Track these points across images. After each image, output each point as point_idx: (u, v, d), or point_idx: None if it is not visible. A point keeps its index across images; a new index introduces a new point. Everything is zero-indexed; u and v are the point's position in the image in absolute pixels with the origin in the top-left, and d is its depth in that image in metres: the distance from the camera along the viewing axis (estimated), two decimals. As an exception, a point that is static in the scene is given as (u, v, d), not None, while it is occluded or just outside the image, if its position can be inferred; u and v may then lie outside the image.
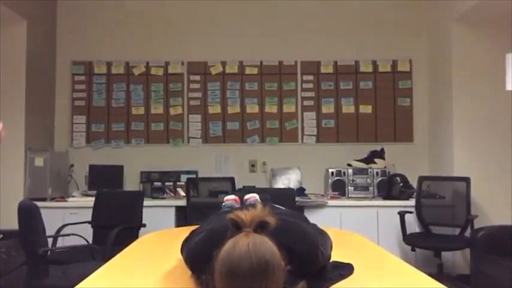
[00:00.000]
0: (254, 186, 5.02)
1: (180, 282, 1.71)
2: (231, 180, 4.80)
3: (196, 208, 4.67)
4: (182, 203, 4.87)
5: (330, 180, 5.22)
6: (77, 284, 1.65)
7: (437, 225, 4.69)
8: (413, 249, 4.55)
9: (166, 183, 5.34)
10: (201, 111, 5.67)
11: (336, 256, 1.81)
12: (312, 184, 5.42)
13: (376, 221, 4.81)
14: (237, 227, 1.30)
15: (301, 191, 5.19)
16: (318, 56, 5.67)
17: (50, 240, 3.78)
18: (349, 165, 5.30)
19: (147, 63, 5.70)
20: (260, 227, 1.29)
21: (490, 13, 4.58)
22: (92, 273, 1.83)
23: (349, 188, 5.18)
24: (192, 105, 5.68)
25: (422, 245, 4.57)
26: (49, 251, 3.45)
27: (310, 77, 5.67)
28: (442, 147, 5.19)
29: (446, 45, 5.08)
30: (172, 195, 5.27)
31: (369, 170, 5.21)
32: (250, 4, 5.67)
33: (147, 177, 5.37)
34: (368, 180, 5.19)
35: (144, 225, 4.35)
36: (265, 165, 5.61)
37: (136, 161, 5.51)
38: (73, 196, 5.13)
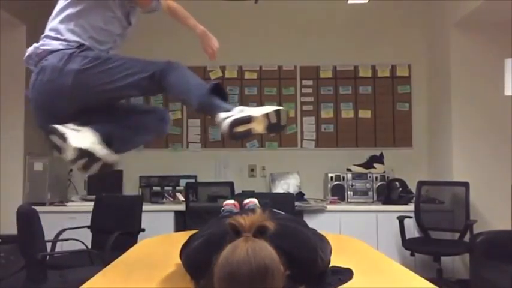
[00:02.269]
0: (253, 191, 5.02)
1: (178, 287, 1.70)
2: (230, 185, 4.80)
3: (195, 213, 4.67)
4: (181, 207, 4.87)
5: (329, 185, 5.22)
6: (76, 289, 1.65)
7: (437, 230, 4.69)
8: (412, 254, 4.55)
9: (166, 188, 5.33)
10: (200, 116, 5.67)
11: (335, 261, 1.81)
12: (311, 189, 5.42)
13: (375, 226, 4.80)
14: (236, 232, 1.30)
15: (300, 195, 5.19)
16: (317, 60, 5.68)
17: (48, 245, 3.77)
18: (348, 170, 5.30)
19: (147, 67, 5.69)
20: (259, 232, 1.29)
21: (489, 18, 4.59)
22: (90, 278, 1.83)
23: (349, 192, 5.18)
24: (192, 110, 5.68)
25: (421, 250, 4.57)
26: (48, 256, 3.45)
27: (310, 82, 5.68)
28: (441, 152, 5.19)
29: (445, 50, 5.09)
30: (172, 199, 5.26)
31: (368, 175, 5.21)
32: (249, 8, 5.68)
33: (146, 181, 5.36)
34: (367, 185, 5.19)
35: (143, 230, 4.34)
36: (264, 170, 5.61)
37: (135, 165, 5.48)
38: (72, 201, 5.12)
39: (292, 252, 1.41)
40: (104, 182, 5.25)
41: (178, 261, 1.79)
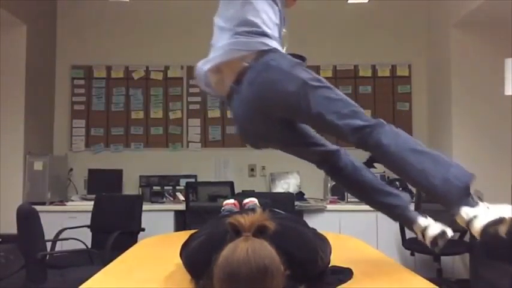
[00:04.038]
0: (253, 191, 5.02)
1: (179, 286, 1.70)
2: (230, 184, 4.80)
3: (195, 212, 4.67)
4: (181, 207, 4.87)
5: (329, 185, 5.21)
6: (76, 288, 1.65)
7: (437, 229, 4.68)
8: (412, 254, 4.55)
9: (166, 188, 5.33)
10: (200, 116, 5.67)
11: (335, 261, 1.80)
12: (311, 188, 5.41)
13: (375, 226, 4.80)
14: (236, 232, 1.30)
15: (300, 195, 5.19)
16: (317, 60, 5.66)
17: (48, 245, 3.78)
18: (348, 169, 5.28)
19: (147, 67, 5.70)
20: (259, 231, 1.29)
21: (489, 18, 4.59)
22: (90, 277, 1.83)
23: (349, 192, 5.18)
24: (192, 110, 5.68)
25: (421, 250, 4.55)
26: (48, 255, 3.45)
27: (310, 82, 5.67)
28: (441, 151, 5.16)
29: (445, 49, 5.09)
30: (172, 199, 5.26)
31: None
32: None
33: (146, 181, 5.36)
34: (367, 184, 5.18)
35: (143, 230, 4.35)
36: (264, 169, 5.61)
37: (135, 165, 5.50)
38: (72, 200, 5.12)
39: (293, 252, 1.40)
40: (104, 182, 5.26)
41: (179, 260, 1.79)
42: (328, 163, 2.13)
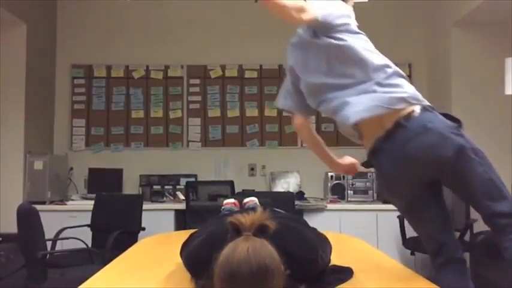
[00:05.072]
0: (253, 190, 5.02)
1: (179, 285, 1.70)
2: (231, 184, 4.79)
3: (195, 212, 4.67)
4: (181, 206, 4.87)
5: (329, 184, 5.22)
6: (76, 287, 1.65)
7: (437, 229, 4.68)
8: (412, 253, 4.54)
9: (166, 187, 5.33)
10: (200, 115, 5.67)
11: (335, 260, 1.81)
12: (311, 188, 5.41)
13: (375, 225, 4.80)
14: (237, 231, 1.30)
15: (300, 194, 5.19)
16: (317, 60, 5.67)
17: (49, 244, 3.78)
18: (348, 169, 5.29)
19: (147, 66, 5.70)
20: (260, 231, 1.30)
21: (490, 17, 4.59)
22: (90, 276, 1.83)
23: (349, 191, 5.18)
24: (192, 109, 5.68)
25: (421, 249, 4.55)
26: (48, 255, 3.45)
27: (310, 81, 5.66)
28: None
29: (446, 49, 5.09)
30: (172, 198, 5.26)
31: (369, 174, 5.20)
32: (249, 7, 5.64)
33: (146, 180, 5.36)
34: (367, 183, 5.19)
35: (144, 229, 4.35)
36: (264, 169, 5.61)
37: (135, 164, 5.50)
38: (72, 199, 5.12)
39: (293, 252, 1.41)
40: (104, 181, 5.26)
41: (179, 260, 1.79)
42: (445, 261, 1.97)
